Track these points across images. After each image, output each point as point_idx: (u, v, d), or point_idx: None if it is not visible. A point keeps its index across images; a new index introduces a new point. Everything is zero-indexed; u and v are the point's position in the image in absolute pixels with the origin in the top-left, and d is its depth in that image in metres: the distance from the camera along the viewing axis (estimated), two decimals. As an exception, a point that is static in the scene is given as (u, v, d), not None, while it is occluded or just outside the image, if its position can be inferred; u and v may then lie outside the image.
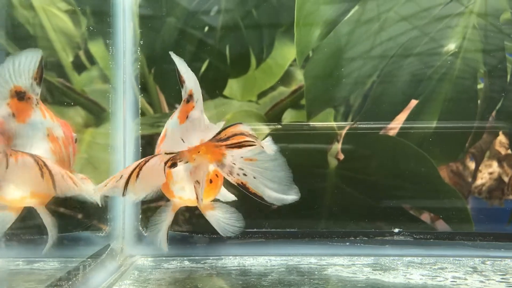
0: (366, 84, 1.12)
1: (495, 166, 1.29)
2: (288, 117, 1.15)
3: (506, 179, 1.30)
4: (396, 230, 1.01)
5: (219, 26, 1.10)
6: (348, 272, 0.85)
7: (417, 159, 1.10)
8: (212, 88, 1.12)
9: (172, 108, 1.10)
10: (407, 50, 1.09)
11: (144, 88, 1.07)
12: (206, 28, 1.10)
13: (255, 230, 1.02)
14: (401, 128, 1.10)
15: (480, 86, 1.14)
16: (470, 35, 1.15)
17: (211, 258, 0.94)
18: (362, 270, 0.86)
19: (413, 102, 1.12)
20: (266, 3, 1.12)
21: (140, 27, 1.07)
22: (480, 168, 1.32)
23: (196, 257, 0.95)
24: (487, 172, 1.37)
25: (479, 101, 1.16)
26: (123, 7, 1.02)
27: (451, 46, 1.13)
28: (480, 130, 1.17)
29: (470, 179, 1.27)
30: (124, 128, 1.00)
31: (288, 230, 1.03)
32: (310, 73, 1.11)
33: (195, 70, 1.16)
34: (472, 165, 1.25)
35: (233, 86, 1.15)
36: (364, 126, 1.11)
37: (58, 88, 1.07)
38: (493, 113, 1.16)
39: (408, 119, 1.11)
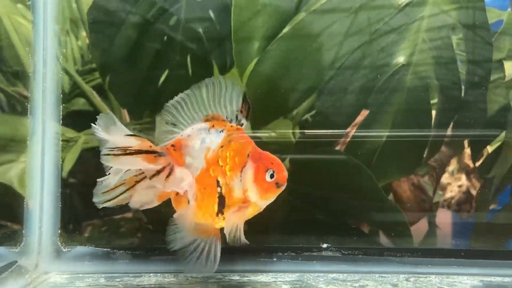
0: (313, 95, 1.13)
1: (463, 179, 1.29)
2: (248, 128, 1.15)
3: (474, 192, 1.32)
4: (324, 245, 0.99)
5: (179, 36, 1.08)
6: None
7: (357, 173, 1.10)
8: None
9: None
10: (356, 62, 1.08)
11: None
12: (165, 38, 1.07)
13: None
14: (353, 138, 1.10)
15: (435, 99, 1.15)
16: (420, 48, 1.16)
17: (130, 275, 0.91)
18: (280, 288, 0.85)
19: (364, 113, 1.13)
20: (225, 13, 1.11)
21: (90, 34, 1.04)
22: (449, 181, 1.33)
23: (115, 274, 0.91)
24: (456, 185, 1.37)
25: (434, 114, 1.19)
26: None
27: (400, 59, 1.14)
28: (436, 142, 1.19)
29: (431, 193, 1.29)
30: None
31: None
32: (253, 85, 1.10)
33: (154, 80, 1.13)
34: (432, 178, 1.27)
35: None
36: (313, 137, 1.12)
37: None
38: (451, 126, 1.19)
39: (359, 130, 1.11)
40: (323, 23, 1.10)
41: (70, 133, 1.04)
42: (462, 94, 1.13)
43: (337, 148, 1.09)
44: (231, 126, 0.80)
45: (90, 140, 1.04)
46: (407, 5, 1.10)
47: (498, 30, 1.19)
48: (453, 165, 1.37)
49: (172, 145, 0.79)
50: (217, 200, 0.78)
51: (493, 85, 1.17)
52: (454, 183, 1.31)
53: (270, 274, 0.93)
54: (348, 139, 1.09)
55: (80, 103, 1.07)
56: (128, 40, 1.07)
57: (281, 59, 1.08)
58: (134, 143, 0.71)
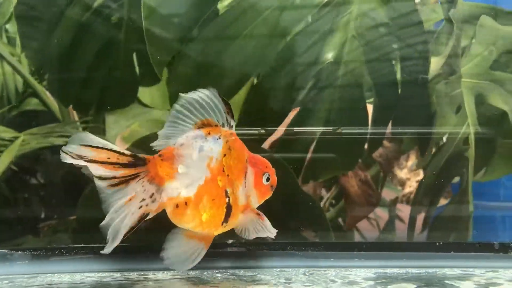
0: (240, 93, 1.13)
1: (422, 174, 1.28)
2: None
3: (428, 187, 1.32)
4: (230, 241, 1.00)
5: (123, 33, 1.06)
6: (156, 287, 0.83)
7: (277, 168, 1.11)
8: (122, 96, 1.08)
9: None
10: (283, 59, 1.08)
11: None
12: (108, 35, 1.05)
13: (82, 245, 0.98)
14: (284, 136, 1.10)
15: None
16: (350, 45, 1.16)
17: (25, 276, 0.90)
18: (174, 285, 0.84)
19: (295, 111, 1.12)
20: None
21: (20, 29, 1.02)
22: (408, 176, 1.34)
23: (10, 276, 0.90)
24: (415, 180, 1.39)
25: (371, 110, 1.19)
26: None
27: (329, 56, 1.14)
28: (376, 138, 1.19)
29: (378, 188, 1.30)
30: None
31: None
32: (175, 82, 1.08)
33: (98, 79, 1.10)
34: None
35: (154, 95, 1.11)
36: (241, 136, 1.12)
37: None
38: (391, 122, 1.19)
39: (290, 128, 1.11)
40: (246, 22, 1.10)
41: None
42: (399, 91, 1.15)
43: (263, 146, 1.09)
44: (225, 131, 0.80)
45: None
46: (333, 1, 1.09)
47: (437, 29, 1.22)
48: (411, 160, 1.39)
49: (160, 155, 0.78)
50: (225, 210, 0.79)
51: (434, 81, 1.17)
52: (413, 178, 1.33)
53: (170, 272, 0.93)
54: (279, 137, 1.09)
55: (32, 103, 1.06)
56: (67, 39, 1.05)
57: (204, 58, 1.06)
58: (88, 153, 0.72)
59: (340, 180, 1.29)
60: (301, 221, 1.09)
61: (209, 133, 0.79)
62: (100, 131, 1.19)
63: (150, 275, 0.91)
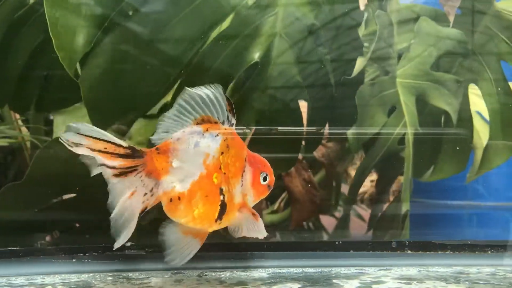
0: (164, 93, 1.10)
1: (375, 175, 1.32)
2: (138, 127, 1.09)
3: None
4: (129, 243, 0.99)
5: None
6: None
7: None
8: (64, 96, 1.07)
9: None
10: (207, 59, 1.06)
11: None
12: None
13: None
14: None
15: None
16: (278, 45, 1.15)
17: None
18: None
19: None
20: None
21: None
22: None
23: None
24: (369, 180, 1.40)
25: (306, 110, 1.18)
26: None
27: (255, 56, 1.13)
28: (313, 139, 1.19)
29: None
30: None
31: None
32: (88, 80, 1.05)
33: (36, 79, 1.08)
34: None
35: None
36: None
37: None
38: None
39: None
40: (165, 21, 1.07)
41: None
42: (333, 92, 1.15)
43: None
44: (225, 128, 0.79)
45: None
46: (258, 2, 1.08)
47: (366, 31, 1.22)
48: (350, 161, 1.40)
49: (157, 148, 0.77)
50: (219, 208, 0.78)
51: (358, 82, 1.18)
52: (368, 178, 1.34)
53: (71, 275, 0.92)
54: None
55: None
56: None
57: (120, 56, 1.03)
58: (85, 142, 0.71)
59: (284, 180, 1.30)
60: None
61: (207, 130, 0.78)
62: (41, 132, 1.17)
63: (38, 279, 0.89)
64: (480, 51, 1.18)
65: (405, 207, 1.19)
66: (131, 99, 1.06)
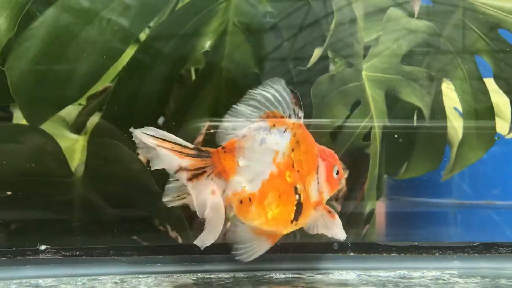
0: (100, 82, 1.02)
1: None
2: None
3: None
4: (43, 247, 0.90)
5: None
6: None
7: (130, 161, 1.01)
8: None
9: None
10: (157, 41, 0.98)
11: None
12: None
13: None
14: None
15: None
16: (232, 33, 1.08)
17: None
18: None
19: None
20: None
21: None
22: None
23: None
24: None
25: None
26: None
27: (205, 44, 1.06)
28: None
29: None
30: None
31: None
32: (16, 68, 0.97)
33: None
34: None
35: None
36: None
37: None
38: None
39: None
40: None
41: None
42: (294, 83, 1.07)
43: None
44: (293, 123, 0.73)
45: None
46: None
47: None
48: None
49: (223, 147, 0.72)
50: (294, 208, 0.73)
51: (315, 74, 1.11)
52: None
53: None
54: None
55: None
56: None
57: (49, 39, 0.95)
58: (152, 142, 0.67)
59: None
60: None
61: (274, 125, 0.72)
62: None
63: None
64: (454, 45, 1.12)
65: (370, 206, 1.12)
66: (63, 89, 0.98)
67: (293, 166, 0.72)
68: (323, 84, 1.12)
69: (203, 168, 0.70)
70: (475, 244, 0.90)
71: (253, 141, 0.71)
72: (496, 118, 1.17)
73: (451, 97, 1.19)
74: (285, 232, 0.76)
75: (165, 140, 0.69)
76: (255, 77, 1.08)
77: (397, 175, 1.18)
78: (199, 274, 0.87)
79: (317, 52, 1.12)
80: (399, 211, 1.17)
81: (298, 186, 0.73)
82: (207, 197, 0.69)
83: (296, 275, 0.85)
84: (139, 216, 1.02)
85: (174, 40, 1.02)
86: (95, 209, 0.99)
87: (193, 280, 0.83)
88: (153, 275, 0.86)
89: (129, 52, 1.01)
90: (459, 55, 1.15)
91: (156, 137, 0.68)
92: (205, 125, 1.07)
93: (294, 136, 0.73)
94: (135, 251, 0.91)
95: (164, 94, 1.05)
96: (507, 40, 1.13)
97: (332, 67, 1.16)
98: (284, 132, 0.72)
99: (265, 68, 1.07)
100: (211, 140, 1.05)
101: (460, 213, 1.20)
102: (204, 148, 0.71)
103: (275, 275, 0.86)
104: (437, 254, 0.90)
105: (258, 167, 0.72)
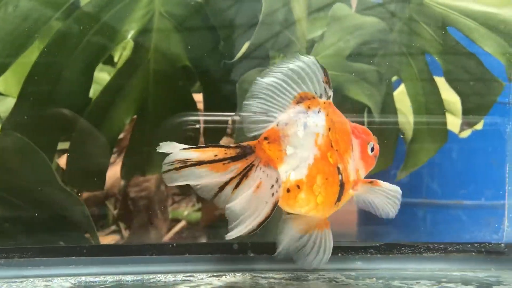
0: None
1: None
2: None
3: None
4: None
5: None
6: None
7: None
8: None
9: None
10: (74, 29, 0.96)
11: None
12: None
13: None
14: None
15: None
16: (159, 24, 1.04)
17: None
18: None
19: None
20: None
21: None
22: None
23: None
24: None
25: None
26: None
27: (128, 35, 1.02)
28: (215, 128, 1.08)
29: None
30: None
31: None
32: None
33: None
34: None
35: (8, 80, 0.96)
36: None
37: None
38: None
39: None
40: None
41: None
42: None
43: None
44: (324, 102, 0.73)
45: None
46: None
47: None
48: None
49: (265, 138, 0.70)
50: (338, 188, 0.73)
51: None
52: None
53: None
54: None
55: None
56: None
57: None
58: (193, 155, 0.64)
59: None
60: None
61: (309, 107, 0.72)
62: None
63: None
64: (404, 43, 1.09)
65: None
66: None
67: (331, 146, 0.72)
68: (253, 79, 1.08)
69: (250, 165, 0.68)
70: (378, 244, 0.86)
71: (296, 127, 0.71)
72: (449, 116, 1.14)
73: (403, 95, 1.16)
74: (327, 215, 0.75)
75: (205, 147, 0.66)
76: (185, 69, 1.05)
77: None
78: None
79: (246, 47, 1.09)
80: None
81: (339, 166, 0.73)
82: (249, 192, 0.66)
83: (186, 278, 0.81)
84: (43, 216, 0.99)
85: (96, 27, 0.99)
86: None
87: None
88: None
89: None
90: (410, 53, 1.12)
91: (194, 147, 0.65)
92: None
93: (327, 115, 0.72)
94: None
95: (85, 84, 1.02)
96: (456, 38, 1.10)
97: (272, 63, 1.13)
98: (318, 112, 0.71)
99: (195, 60, 1.03)
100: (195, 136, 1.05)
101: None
102: (245, 144, 0.69)
103: (164, 278, 0.82)
104: (339, 254, 0.86)
105: (304, 153, 0.71)
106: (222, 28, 1.06)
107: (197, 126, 1.07)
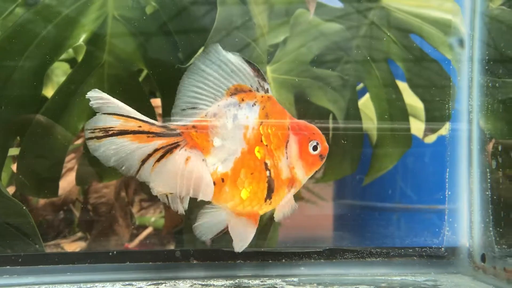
0: None
1: None
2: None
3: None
4: None
5: None
6: None
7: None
8: None
9: None
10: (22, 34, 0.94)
11: None
12: None
13: None
14: None
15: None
16: (113, 27, 1.03)
17: None
18: None
19: None
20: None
21: None
22: None
23: None
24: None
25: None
26: None
27: (80, 38, 1.00)
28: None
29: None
30: None
31: None
32: None
33: None
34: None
35: None
36: None
37: None
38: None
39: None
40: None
41: None
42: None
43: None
44: (262, 96, 0.72)
45: None
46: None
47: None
48: None
49: (193, 126, 0.70)
50: (266, 185, 0.72)
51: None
52: None
53: None
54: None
55: None
56: None
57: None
58: (116, 123, 0.64)
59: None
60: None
61: (242, 100, 0.72)
62: None
63: None
64: (367, 49, 1.08)
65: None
66: None
67: (261, 141, 0.71)
68: None
69: (176, 143, 0.68)
70: (321, 250, 0.85)
71: (225, 119, 0.71)
72: (412, 120, 1.14)
73: (367, 101, 1.16)
74: (261, 212, 0.74)
75: (129, 117, 0.65)
76: (141, 73, 1.04)
77: (315, 179, 1.14)
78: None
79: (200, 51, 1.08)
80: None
81: (267, 161, 0.72)
82: (181, 167, 0.66)
83: (124, 286, 0.79)
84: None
85: (49, 27, 0.97)
86: None
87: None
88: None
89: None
90: (372, 58, 1.12)
91: (118, 114, 0.64)
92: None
93: (263, 109, 0.71)
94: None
95: (36, 86, 1.00)
96: (419, 45, 1.10)
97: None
98: (253, 105, 0.71)
99: (151, 64, 1.02)
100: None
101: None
102: (172, 125, 0.69)
103: (102, 286, 0.79)
104: (283, 260, 0.85)
105: (231, 145, 0.71)
106: (179, 32, 1.04)
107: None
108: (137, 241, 1.22)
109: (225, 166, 0.71)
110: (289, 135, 0.74)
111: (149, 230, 1.31)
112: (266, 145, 0.73)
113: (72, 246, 1.15)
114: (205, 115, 0.71)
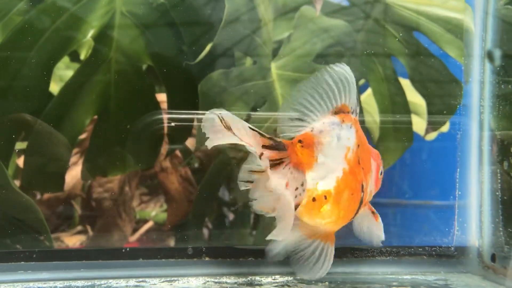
0: None
1: None
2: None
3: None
4: None
5: None
6: None
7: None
8: None
9: None
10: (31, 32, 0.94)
11: None
12: None
13: None
14: None
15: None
16: (121, 23, 1.02)
17: None
18: None
19: None
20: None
21: None
22: None
23: None
24: None
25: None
26: None
27: (88, 34, 0.99)
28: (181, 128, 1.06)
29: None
30: None
31: None
32: None
33: None
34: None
35: None
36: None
37: None
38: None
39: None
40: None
41: None
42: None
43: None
44: (354, 118, 0.72)
45: None
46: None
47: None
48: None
49: (300, 141, 0.67)
50: (358, 206, 0.72)
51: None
52: None
53: None
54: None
55: None
56: None
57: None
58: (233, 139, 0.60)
59: (158, 176, 1.17)
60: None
61: (343, 121, 0.70)
62: None
63: None
64: (370, 45, 1.09)
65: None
66: None
67: (359, 163, 0.70)
68: (216, 81, 1.08)
69: (280, 159, 0.65)
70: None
71: (331, 137, 0.69)
72: (414, 117, 1.15)
73: (369, 98, 1.17)
74: (336, 229, 0.73)
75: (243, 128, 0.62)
76: (148, 69, 1.04)
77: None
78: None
79: (209, 47, 1.08)
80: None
81: (364, 184, 0.71)
82: (281, 190, 0.63)
83: (138, 284, 0.80)
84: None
85: (58, 23, 0.96)
86: None
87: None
88: None
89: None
90: (375, 56, 1.12)
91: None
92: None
93: (357, 132, 0.71)
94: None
95: (44, 80, 1.00)
96: (422, 43, 1.11)
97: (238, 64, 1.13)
98: (350, 128, 0.70)
99: (158, 60, 1.02)
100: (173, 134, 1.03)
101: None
102: (278, 139, 0.66)
103: (116, 283, 0.80)
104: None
105: (332, 164, 0.69)
106: (186, 28, 1.04)
107: (162, 125, 1.05)
108: (137, 235, 1.22)
109: (326, 184, 0.69)
110: (371, 161, 0.76)
111: (149, 224, 1.32)
112: (363, 168, 0.72)
113: (73, 239, 1.15)
114: (311, 130, 0.69)
